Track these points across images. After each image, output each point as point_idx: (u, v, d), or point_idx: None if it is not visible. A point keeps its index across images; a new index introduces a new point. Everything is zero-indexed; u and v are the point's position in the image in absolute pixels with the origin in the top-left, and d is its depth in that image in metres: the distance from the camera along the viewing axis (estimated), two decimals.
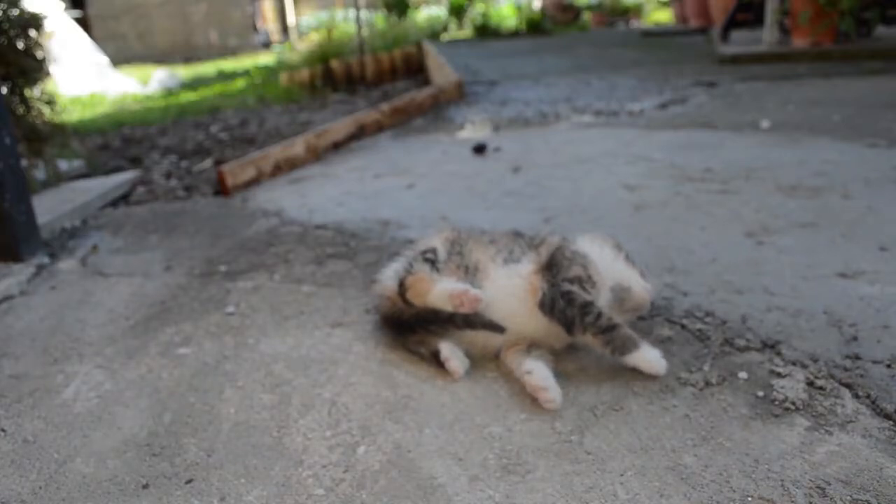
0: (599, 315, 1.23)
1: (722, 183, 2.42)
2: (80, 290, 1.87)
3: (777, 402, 1.14)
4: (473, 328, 1.29)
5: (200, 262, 2.01)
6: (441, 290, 1.28)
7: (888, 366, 1.23)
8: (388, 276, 1.40)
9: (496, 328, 1.28)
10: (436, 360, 1.31)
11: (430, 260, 1.37)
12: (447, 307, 1.27)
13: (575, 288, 1.25)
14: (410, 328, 1.36)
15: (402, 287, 1.34)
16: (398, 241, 2.02)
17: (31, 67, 2.66)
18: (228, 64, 10.28)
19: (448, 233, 1.46)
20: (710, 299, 1.53)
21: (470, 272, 1.35)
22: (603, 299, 1.30)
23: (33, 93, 2.74)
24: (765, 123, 3.33)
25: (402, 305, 1.35)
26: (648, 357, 1.23)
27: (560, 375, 1.27)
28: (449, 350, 1.30)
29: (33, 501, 1.06)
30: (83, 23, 10.12)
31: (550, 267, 1.31)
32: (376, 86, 5.99)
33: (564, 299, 1.24)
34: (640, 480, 1.00)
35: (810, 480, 0.96)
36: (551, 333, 1.29)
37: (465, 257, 1.38)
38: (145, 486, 1.07)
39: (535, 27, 11.38)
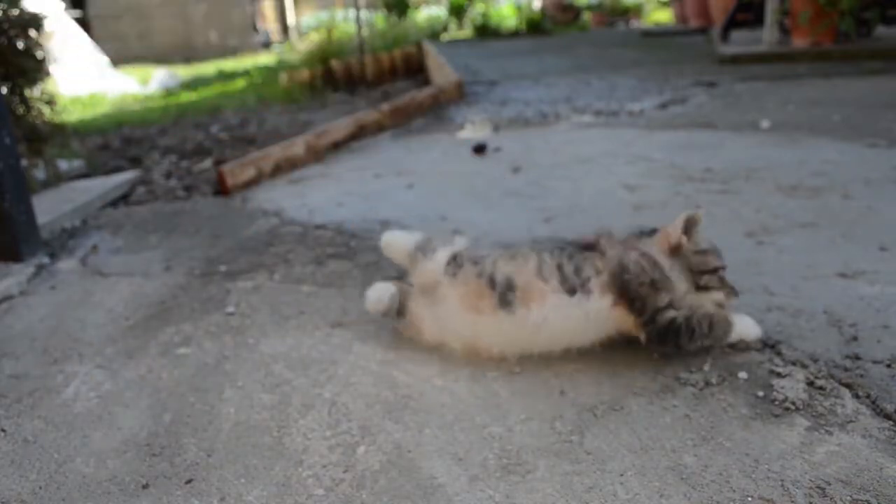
0: (700, 324, 1.24)
1: (722, 183, 2.42)
2: (80, 290, 1.87)
3: (777, 402, 1.15)
4: None
5: (200, 262, 2.01)
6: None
7: (888, 366, 1.23)
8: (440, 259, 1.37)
9: None
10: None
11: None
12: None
13: (671, 315, 1.23)
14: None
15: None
16: None
17: (31, 67, 2.66)
18: (228, 64, 10.28)
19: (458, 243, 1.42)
20: None
21: (500, 286, 1.26)
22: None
23: (33, 93, 2.74)
24: (765, 123, 3.33)
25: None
26: (744, 329, 1.30)
27: (560, 375, 1.28)
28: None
29: (33, 501, 1.06)
30: (83, 23, 10.12)
31: (633, 301, 1.23)
32: (376, 86, 5.99)
33: (673, 334, 1.23)
34: (640, 480, 1.00)
35: (810, 480, 0.97)
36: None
37: (484, 265, 1.29)
38: (145, 486, 1.07)
39: (535, 27, 11.38)
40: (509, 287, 1.25)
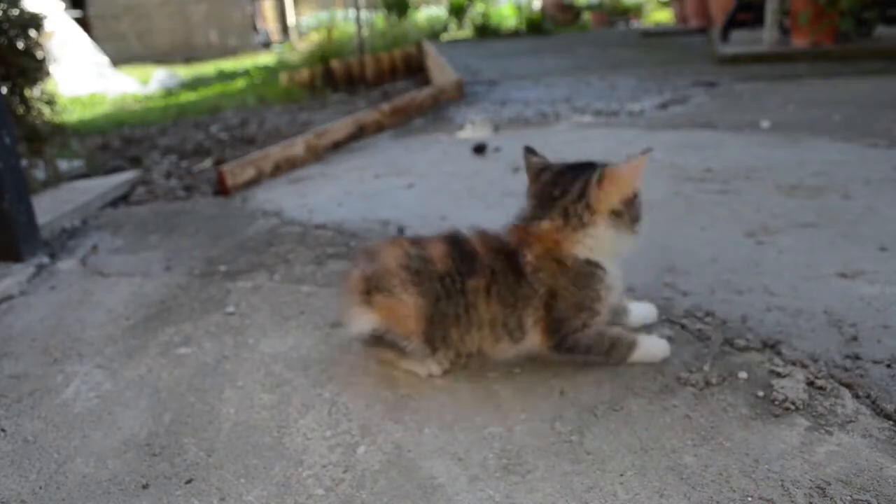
0: (600, 344, 1.27)
1: (722, 183, 2.42)
2: (80, 290, 1.87)
3: (777, 402, 1.15)
4: None
5: (200, 261, 2.01)
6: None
7: (888, 366, 1.23)
8: None
9: None
10: None
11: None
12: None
13: (575, 339, 1.26)
14: None
15: None
16: None
17: (31, 67, 2.66)
18: (228, 64, 10.28)
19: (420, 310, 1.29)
20: (710, 299, 1.53)
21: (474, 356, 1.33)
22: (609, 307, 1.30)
23: (33, 93, 2.74)
24: (765, 123, 3.33)
25: None
26: (645, 351, 1.29)
27: (559, 375, 1.28)
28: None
29: (33, 501, 1.06)
30: (83, 23, 10.11)
31: (552, 325, 1.26)
32: (376, 86, 5.99)
33: (567, 351, 1.27)
34: (640, 480, 1.00)
35: (810, 480, 0.97)
36: None
37: (456, 344, 1.30)
38: (145, 486, 1.07)
39: (535, 27, 11.37)
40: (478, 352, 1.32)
